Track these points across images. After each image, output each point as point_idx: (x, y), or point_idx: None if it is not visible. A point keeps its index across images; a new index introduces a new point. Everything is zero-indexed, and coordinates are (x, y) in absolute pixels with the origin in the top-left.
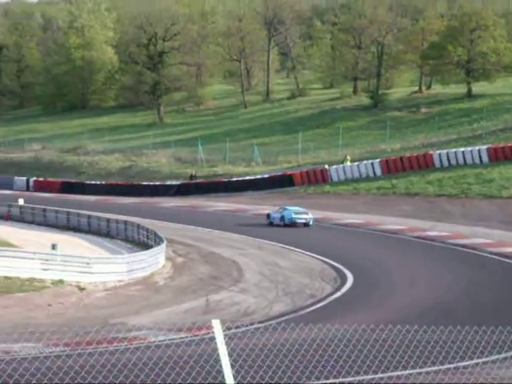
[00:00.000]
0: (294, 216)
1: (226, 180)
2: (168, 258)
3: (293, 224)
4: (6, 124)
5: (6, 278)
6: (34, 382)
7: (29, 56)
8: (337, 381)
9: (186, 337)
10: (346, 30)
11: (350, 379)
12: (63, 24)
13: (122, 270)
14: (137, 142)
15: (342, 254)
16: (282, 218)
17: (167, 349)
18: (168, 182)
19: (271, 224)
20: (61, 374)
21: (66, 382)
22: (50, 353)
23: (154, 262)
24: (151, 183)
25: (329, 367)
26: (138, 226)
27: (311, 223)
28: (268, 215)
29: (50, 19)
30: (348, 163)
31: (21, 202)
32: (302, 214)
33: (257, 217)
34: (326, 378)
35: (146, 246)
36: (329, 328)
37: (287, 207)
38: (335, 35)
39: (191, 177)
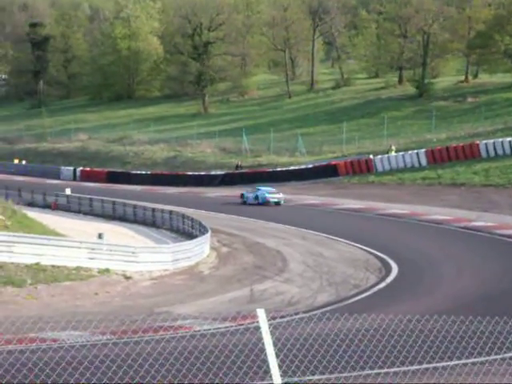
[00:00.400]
0: (267, 195)
1: (271, 170)
2: (212, 248)
3: (266, 203)
4: (54, 114)
5: (54, 266)
6: (81, 369)
7: (76, 46)
8: (382, 371)
9: (231, 326)
10: (391, 19)
11: (395, 369)
12: (109, 14)
13: (168, 259)
14: (181, 132)
15: (386, 244)
16: (256, 197)
17: (212, 338)
18: (213, 172)
19: (245, 203)
20: (107, 362)
21: (112, 369)
22: (97, 341)
23: (198, 251)
24: (196, 173)
25: (374, 357)
26: (183, 215)
27: (282, 202)
28: (242, 195)
29: (96, 9)
30: (393, 153)
31: (68, 191)
32: (275, 193)
33: (301, 207)
34: (371, 368)
35: (190, 236)
36: (373, 318)
37: (260, 187)
38: (380, 24)
39: (237, 167)
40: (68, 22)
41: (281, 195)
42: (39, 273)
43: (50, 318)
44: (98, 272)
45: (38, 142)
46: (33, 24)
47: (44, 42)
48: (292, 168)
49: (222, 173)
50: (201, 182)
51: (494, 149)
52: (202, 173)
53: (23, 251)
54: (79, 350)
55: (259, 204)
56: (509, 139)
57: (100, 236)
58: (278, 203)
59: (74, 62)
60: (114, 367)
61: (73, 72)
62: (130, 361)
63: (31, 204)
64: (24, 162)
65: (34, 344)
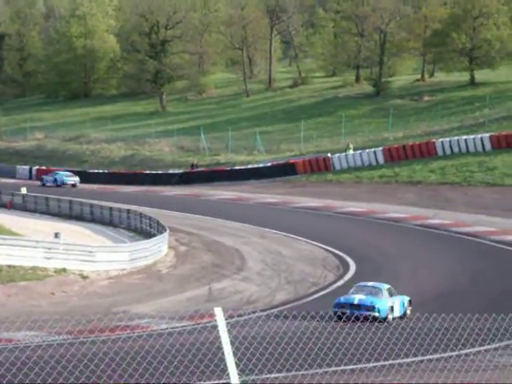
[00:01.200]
0: (64, 179)
1: (229, 168)
2: (171, 247)
3: (63, 185)
4: (9, 113)
5: (9, 266)
6: (36, 369)
7: (31, 44)
8: (339, 369)
9: (189, 325)
10: (348, 18)
11: (352, 367)
12: (65, 12)
13: (125, 258)
14: (139, 131)
15: (344, 242)
16: (55, 180)
17: (169, 337)
18: (170, 171)
19: (44, 185)
20: (63, 362)
21: (68, 369)
22: (53, 341)
23: (156, 250)
24: (154, 172)
25: (331, 355)
26: (141, 214)
27: (77, 185)
28: (41, 178)
29: (52, 7)
30: (351, 151)
31: (23, 190)
32: (71, 177)
33: (259, 205)
34: (328, 366)
35: (148, 235)
36: (331, 316)
37: (58, 172)
38: (338, 23)
39: (192, 166)
40: (23, 20)
41: (76, 178)
42: None
43: (5, 318)
44: (55, 272)
45: None
46: None
47: None
48: (250, 166)
49: (180, 171)
50: (159, 181)
51: (450, 147)
52: (160, 171)
53: None
54: (34, 350)
55: (57, 186)
56: (465, 137)
57: (56, 235)
58: (74, 185)
59: (29, 60)
60: (70, 367)
61: (28, 70)
62: (86, 361)
63: None
64: None
65: None
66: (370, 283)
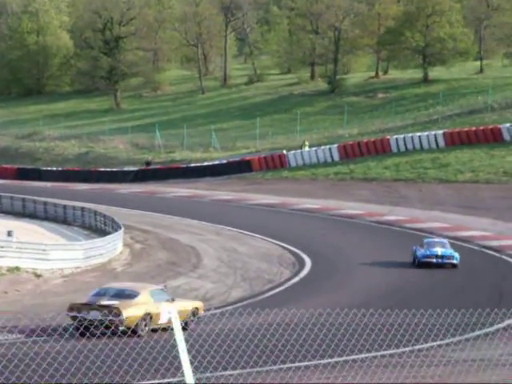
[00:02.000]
0: None
1: (184, 166)
2: (126, 245)
3: None
4: None
5: None
6: None
7: None
8: (293, 365)
9: None
10: (302, 15)
11: (306, 363)
12: (17, 8)
13: (79, 256)
14: (93, 128)
15: (300, 239)
16: None
17: (124, 335)
18: (125, 168)
19: None
20: (15, 361)
21: (20, 368)
22: (5, 340)
23: (111, 248)
24: (108, 169)
25: (285, 352)
26: (95, 212)
27: None
28: None
29: (4, 4)
30: (306, 149)
31: None
32: None
33: (215, 203)
34: (283, 362)
35: (103, 233)
36: (286, 313)
37: None
38: (292, 20)
39: (147, 163)
40: None
41: None
42: None
43: None
44: (8, 270)
45: None
46: None
47: None
48: (206, 164)
49: (135, 169)
50: (113, 179)
51: (405, 144)
52: (115, 169)
53: None
54: None
55: None
56: (418, 134)
57: (9, 233)
58: None
59: None
60: (22, 366)
61: None
62: (39, 359)
63: None
64: None
65: None
66: (436, 239)
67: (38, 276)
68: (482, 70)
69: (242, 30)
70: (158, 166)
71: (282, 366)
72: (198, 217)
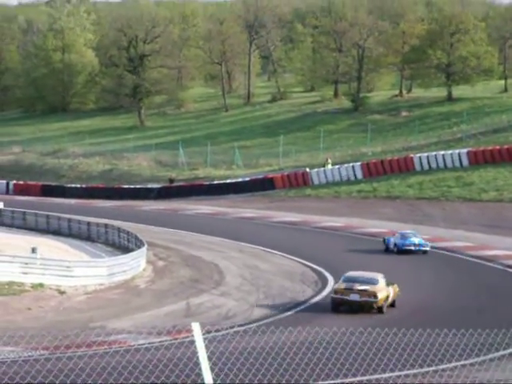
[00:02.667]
0: None
1: (207, 183)
2: (149, 262)
3: None
4: None
5: None
6: None
7: (9, 59)
8: (317, 383)
9: (166, 340)
10: (326, 33)
11: (329, 382)
12: (43, 27)
13: (103, 273)
14: (117, 145)
15: (322, 257)
16: None
17: (146, 352)
18: (149, 185)
19: None
20: (39, 378)
21: None
22: (29, 356)
23: (134, 265)
24: (132, 186)
25: (308, 370)
26: (119, 229)
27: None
28: None
29: (30, 22)
30: (329, 166)
31: (0, 205)
32: None
33: (238, 220)
34: (306, 380)
35: (126, 250)
36: (308, 331)
37: None
38: (316, 38)
39: (170, 180)
40: (1, 35)
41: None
42: None
43: None
44: (32, 287)
45: None
46: None
47: None
48: (229, 181)
49: (159, 186)
50: (137, 196)
51: (428, 162)
52: (138, 186)
53: None
54: (10, 365)
55: None
56: (442, 153)
57: (33, 250)
58: None
59: (6, 75)
60: (46, 383)
61: (6, 84)
62: (62, 376)
63: None
64: None
65: None
66: (408, 231)
67: (62, 293)
68: (506, 89)
69: (265, 47)
70: (182, 184)
71: None
72: (221, 234)
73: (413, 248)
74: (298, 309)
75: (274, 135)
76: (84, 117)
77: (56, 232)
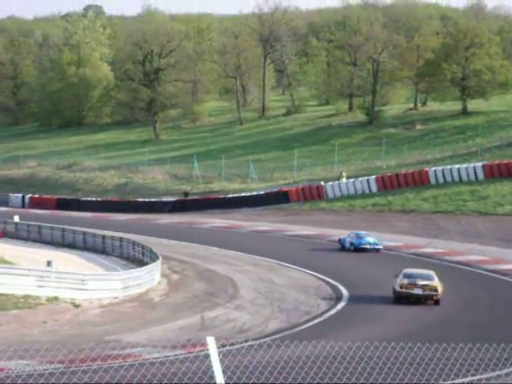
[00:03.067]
0: None
1: (222, 196)
2: (163, 275)
3: None
4: (2, 141)
5: (1, 294)
6: None
7: (25, 73)
8: None
9: (181, 354)
10: (341, 47)
11: None
12: (59, 41)
13: (118, 286)
14: (132, 159)
15: (337, 270)
16: None
17: (161, 366)
18: (164, 199)
19: None
20: None
21: None
22: (44, 370)
23: (149, 278)
24: (147, 200)
25: None
26: (134, 242)
27: None
28: None
29: (46, 36)
30: (344, 180)
31: (16, 218)
32: None
33: (252, 233)
34: None
35: (141, 263)
36: (323, 345)
37: None
38: (331, 52)
39: (185, 193)
40: (17, 49)
41: None
42: None
43: None
44: (47, 300)
45: None
46: None
47: None
48: (243, 194)
49: (173, 199)
50: (152, 209)
51: (443, 176)
52: (153, 199)
53: None
54: (26, 379)
55: None
56: (457, 166)
57: (49, 264)
58: None
59: (23, 89)
60: None
61: (22, 98)
62: None
63: None
64: None
65: None
66: (362, 232)
67: (77, 306)
68: None
69: (280, 61)
70: (196, 197)
71: None
72: (236, 248)
73: (368, 247)
74: (313, 323)
75: (289, 149)
76: (99, 130)
77: (71, 245)
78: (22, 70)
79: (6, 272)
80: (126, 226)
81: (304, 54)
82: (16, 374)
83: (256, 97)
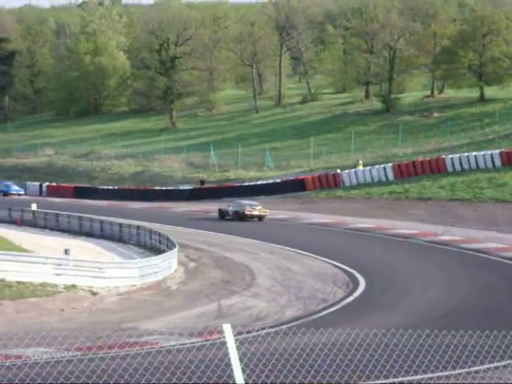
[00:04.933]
0: (11, 188)
1: (238, 185)
2: (180, 263)
3: (9, 194)
4: (20, 129)
5: (19, 282)
6: None
7: (42, 61)
8: None
9: (198, 341)
10: (357, 35)
11: (361, 383)
12: (75, 29)
13: (135, 274)
14: (149, 147)
15: (354, 258)
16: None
17: (178, 353)
18: (180, 187)
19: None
20: (72, 379)
21: None
22: (62, 357)
23: (166, 266)
24: (163, 188)
25: (340, 372)
26: (151, 230)
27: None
28: None
29: (62, 25)
30: (360, 168)
31: (33, 206)
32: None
33: (269, 221)
34: (337, 382)
35: (158, 251)
36: (340, 332)
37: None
38: (347, 40)
39: (201, 182)
40: (34, 37)
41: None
42: (4, 289)
43: (14, 334)
44: (64, 288)
45: (3, 158)
46: None
47: (10, 57)
48: (260, 183)
49: (190, 187)
50: (168, 197)
51: (460, 163)
52: (170, 188)
53: None
54: (44, 366)
55: (4, 195)
56: (474, 154)
57: (66, 252)
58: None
59: (40, 77)
60: None
61: (39, 87)
62: (94, 377)
63: None
64: None
65: None
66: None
67: (94, 294)
68: None
69: (296, 49)
70: (213, 185)
71: None
72: (252, 235)
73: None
74: (330, 310)
75: (305, 136)
76: (116, 119)
77: (88, 233)
78: (38, 59)
79: (24, 260)
80: (142, 214)
81: (320, 42)
82: (34, 362)
83: (272, 85)
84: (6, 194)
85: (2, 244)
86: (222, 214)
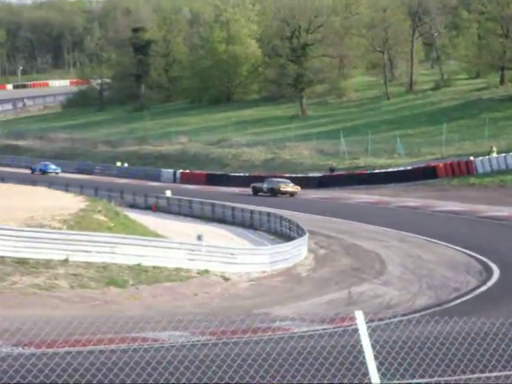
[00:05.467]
0: (48, 167)
1: (368, 172)
2: (310, 250)
3: (47, 173)
4: (155, 117)
5: (154, 267)
6: (181, 368)
7: (176, 50)
8: (483, 375)
9: (329, 328)
10: (493, 19)
11: (496, 374)
12: (209, 18)
13: (266, 261)
14: (279, 135)
15: (487, 247)
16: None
17: (310, 339)
18: (310, 174)
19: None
20: (207, 362)
21: (212, 369)
22: (197, 341)
23: (296, 253)
24: (293, 175)
25: (474, 361)
26: (281, 217)
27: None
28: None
29: (196, 14)
30: (494, 155)
31: (168, 193)
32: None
33: (399, 209)
34: (472, 372)
35: (288, 238)
36: (474, 322)
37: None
38: (482, 24)
39: (331, 169)
40: (169, 27)
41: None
42: (141, 273)
43: (151, 318)
44: (198, 273)
45: (139, 145)
46: (135, 29)
47: (146, 46)
48: (390, 170)
49: (320, 175)
50: (298, 184)
51: None
52: (300, 175)
53: (125, 252)
54: (179, 349)
55: (43, 173)
56: None
57: (199, 237)
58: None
59: (174, 66)
60: (214, 367)
61: (173, 76)
62: (229, 361)
63: (133, 206)
64: (126, 165)
65: (136, 343)
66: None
67: (227, 279)
68: None
69: (429, 34)
70: (342, 172)
71: (470, 376)
72: (382, 223)
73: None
74: (462, 299)
75: (437, 123)
76: (247, 107)
77: (220, 220)
78: (173, 48)
79: (159, 245)
80: (272, 201)
81: (454, 27)
82: (170, 345)
83: (404, 71)
84: (44, 172)
85: (139, 229)
86: (256, 191)
